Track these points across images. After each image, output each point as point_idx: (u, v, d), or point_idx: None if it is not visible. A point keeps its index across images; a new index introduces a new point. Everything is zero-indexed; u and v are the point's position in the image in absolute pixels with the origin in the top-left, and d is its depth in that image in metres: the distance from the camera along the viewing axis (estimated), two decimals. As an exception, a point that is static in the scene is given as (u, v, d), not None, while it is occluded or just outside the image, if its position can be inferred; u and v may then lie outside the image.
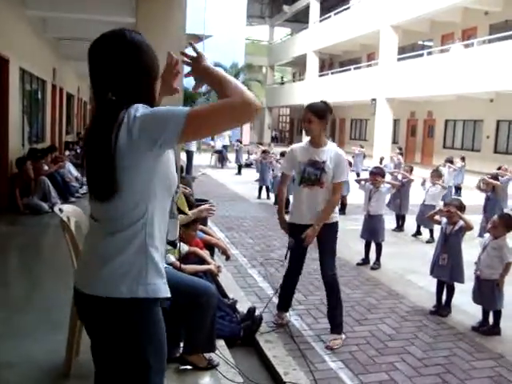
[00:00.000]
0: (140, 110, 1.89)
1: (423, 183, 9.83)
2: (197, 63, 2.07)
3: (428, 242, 9.13)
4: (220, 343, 4.25)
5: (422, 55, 24.70)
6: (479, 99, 22.83)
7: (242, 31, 39.59)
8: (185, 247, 4.52)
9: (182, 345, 3.80)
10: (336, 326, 4.73)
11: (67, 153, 15.35)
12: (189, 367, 3.74)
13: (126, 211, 1.93)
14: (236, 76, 35.35)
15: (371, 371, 4.18)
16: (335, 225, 4.76)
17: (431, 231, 9.23)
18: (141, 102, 1.94)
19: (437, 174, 9.78)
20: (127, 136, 1.86)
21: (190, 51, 2.18)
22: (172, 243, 3.21)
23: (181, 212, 3.38)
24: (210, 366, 3.79)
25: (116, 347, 1.98)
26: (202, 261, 4.62)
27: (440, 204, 9.21)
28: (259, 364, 4.31)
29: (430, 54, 25.05)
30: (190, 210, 4.54)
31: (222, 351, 4.02)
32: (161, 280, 2.00)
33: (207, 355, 3.80)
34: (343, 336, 4.71)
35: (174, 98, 2.36)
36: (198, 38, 27.80)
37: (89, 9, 8.47)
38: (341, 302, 4.78)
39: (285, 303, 5.10)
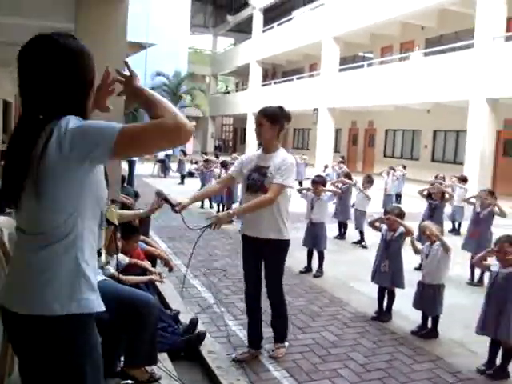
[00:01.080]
0: (71, 122, 1.81)
1: (356, 183, 10.15)
2: (129, 83, 2.00)
3: (363, 247, 9.43)
4: (162, 356, 4.16)
5: (362, 66, 25.30)
6: (417, 110, 23.55)
7: (186, 40, 39.45)
8: (125, 259, 4.43)
9: (122, 358, 3.70)
10: (280, 335, 4.62)
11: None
12: (130, 382, 3.63)
13: (54, 225, 1.86)
14: (179, 85, 35.22)
15: (315, 379, 4.19)
16: (284, 243, 4.39)
17: (361, 234, 9.63)
18: (72, 113, 1.86)
19: (368, 181, 10.01)
20: (57, 149, 1.78)
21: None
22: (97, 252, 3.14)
23: (109, 223, 3.29)
24: (152, 380, 3.69)
25: (49, 366, 1.89)
26: (145, 272, 4.53)
27: (368, 210, 9.62)
28: (203, 376, 4.24)
29: (370, 65, 25.69)
30: (131, 221, 4.47)
31: (164, 364, 3.94)
32: (94, 294, 1.93)
33: (149, 368, 3.71)
34: (287, 344, 4.69)
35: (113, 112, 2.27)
36: (141, 47, 27.47)
37: (24, 13, 8.19)
38: (285, 314, 4.64)
39: (254, 337, 4.58)
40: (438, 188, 8.94)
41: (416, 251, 5.58)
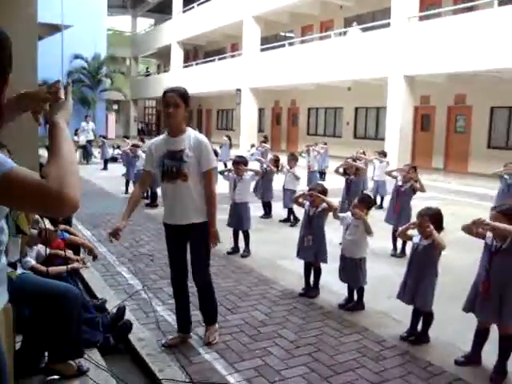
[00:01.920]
0: None
1: (281, 169, 10.21)
2: (54, 108, 1.81)
3: (291, 225, 9.51)
4: (90, 347, 4.06)
5: (283, 46, 25.41)
6: (338, 88, 23.95)
7: (104, 22, 38.14)
8: (45, 250, 4.26)
9: (46, 354, 3.57)
10: (209, 319, 4.58)
11: None
12: (56, 377, 3.51)
13: None
14: (99, 68, 34.16)
15: (246, 358, 4.21)
16: (205, 225, 4.29)
17: (292, 213, 9.71)
18: None
19: (292, 158, 10.11)
20: None
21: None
22: (13, 264, 2.99)
23: (20, 231, 3.13)
24: (80, 373, 3.59)
25: None
26: (67, 262, 4.38)
27: (298, 188, 9.71)
28: (133, 364, 4.17)
29: (291, 44, 25.83)
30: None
31: (91, 355, 3.85)
32: None
33: (76, 361, 3.60)
34: (217, 326, 4.67)
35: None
36: (56, 29, 26.37)
37: None
38: (213, 296, 4.59)
39: (182, 321, 4.55)
40: (349, 163, 9.19)
41: (336, 216, 5.65)
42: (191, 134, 4.22)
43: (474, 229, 4.07)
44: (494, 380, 3.96)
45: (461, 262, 6.66)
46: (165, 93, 4.18)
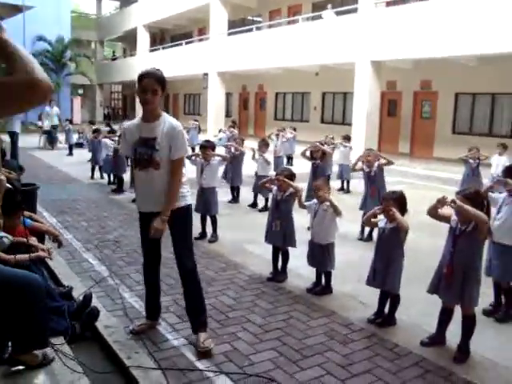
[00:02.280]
0: None
1: (253, 157, 10.18)
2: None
3: (261, 210, 9.46)
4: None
5: (251, 30, 25.26)
6: (306, 72, 23.96)
7: (68, 3, 37.30)
8: (8, 237, 4.16)
9: (10, 344, 3.49)
10: (201, 323, 4.24)
11: None
12: (21, 367, 3.43)
13: None
14: (63, 51, 33.46)
15: (215, 343, 4.20)
16: (185, 209, 4.14)
17: (266, 200, 9.56)
18: None
19: (264, 144, 10.09)
20: None
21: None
22: None
23: None
24: (45, 363, 3.53)
25: None
26: (30, 249, 4.28)
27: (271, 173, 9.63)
28: (100, 352, 4.12)
29: (258, 29, 25.70)
30: (14, 196, 4.15)
31: (57, 344, 3.79)
32: None
33: (41, 351, 3.54)
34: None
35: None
36: (18, 9, 25.69)
37: None
38: (202, 296, 4.29)
39: (151, 307, 4.50)
40: (317, 146, 9.21)
41: (302, 206, 5.67)
42: (166, 119, 4.03)
43: (438, 210, 4.14)
44: (458, 359, 4.05)
45: (425, 244, 6.76)
46: (141, 77, 3.98)
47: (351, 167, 9.06)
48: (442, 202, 3.97)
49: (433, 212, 4.23)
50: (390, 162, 7.82)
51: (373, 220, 4.90)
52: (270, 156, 10.32)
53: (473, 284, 4.07)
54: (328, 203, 5.32)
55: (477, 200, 4.10)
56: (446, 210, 4.17)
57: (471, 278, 4.06)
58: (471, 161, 10.05)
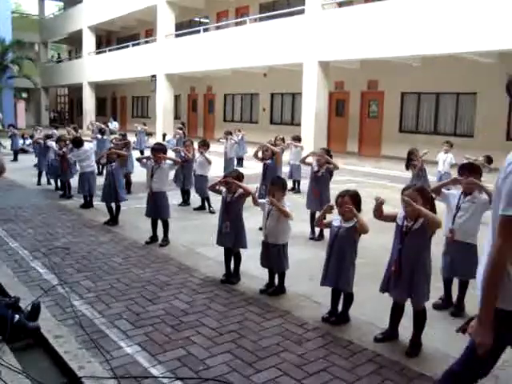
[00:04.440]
0: None
1: (193, 156, 10.17)
2: None
3: (211, 212, 9.47)
4: (3, 349, 3.86)
5: (198, 32, 25.13)
6: (254, 74, 24.03)
7: (7, 3, 36.22)
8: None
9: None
10: None
11: None
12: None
13: None
14: (4, 54, 32.48)
15: (168, 349, 4.13)
16: None
17: (207, 200, 9.67)
18: None
19: (203, 144, 10.04)
20: None
21: None
22: None
23: None
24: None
25: None
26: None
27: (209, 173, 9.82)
28: (51, 363, 3.99)
29: (206, 30, 25.60)
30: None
31: (5, 357, 3.66)
32: None
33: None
34: None
35: None
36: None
37: None
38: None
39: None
40: (266, 146, 9.26)
41: (256, 203, 5.62)
42: None
43: (384, 210, 4.22)
44: (410, 353, 4.12)
45: (375, 242, 6.84)
46: None
47: (301, 159, 9.09)
48: (377, 204, 4.04)
49: (378, 214, 4.30)
50: (335, 167, 7.89)
51: (325, 221, 4.91)
52: (219, 158, 10.29)
53: (421, 280, 4.14)
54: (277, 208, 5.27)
55: (424, 194, 4.18)
56: (391, 210, 4.24)
57: (420, 273, 4.13)
58: (415, 163, 10.12)
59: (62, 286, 5.52)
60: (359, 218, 4.51)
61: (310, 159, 8.36)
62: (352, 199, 4.63)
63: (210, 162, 9.79)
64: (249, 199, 5.69)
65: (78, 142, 10.22)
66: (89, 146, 10.20)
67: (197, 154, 10.05)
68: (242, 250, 5.84)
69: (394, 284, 4.25)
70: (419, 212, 4.04)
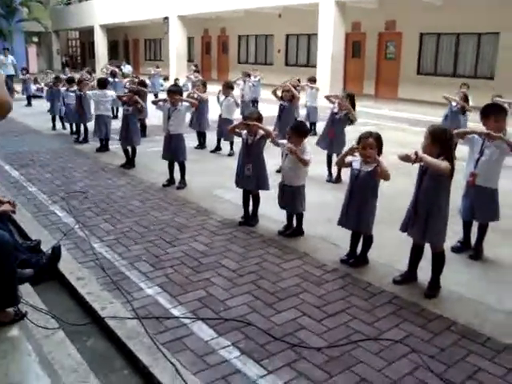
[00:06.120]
0: None
1: (218, 98, 10.01)
2: None
3: (229, 155, 9.41)
4: (27, 290, 3.92)
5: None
6: (268, 14, 23.45)
7: None
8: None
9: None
10: None
11: None
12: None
13: None
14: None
15: (189, 290, 4.18)
16: None
17: (231, 144, 9.53)
18: None
19: (227, 86, 9.90)
20: None
21: None
22: None
23: None
24: (18, 318, 3.46)
25: None
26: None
27: (235, 117, 9.61)
28: (74, 304, 4.05)
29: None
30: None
31: (29, 299, 3.71)
32: None
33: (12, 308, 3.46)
34: None
35: None
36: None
37: None
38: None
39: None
40: (289, 86, 9.08)
41: (276, 144, 5.58)
42: None
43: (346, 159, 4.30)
44: (428, 295, 4.14)
45: (392, 186, 6.76)
46: None
47: (325, 95, 8.89)
48: (405, 159, 3.94)
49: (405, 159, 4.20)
50: (354, 120, 7.70)
51: (346, 160, 4.81)
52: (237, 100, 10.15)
53: (437, 222, 4.10)
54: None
55: (443, 139, 4.07)
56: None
57: (434, 215, 4.10)
58: (453, 103, 9.88)
59: (81, 228, 5.56)
60: (382, 165, 4.38)
61: (333, 99, 8.16)
62: (376, 141, 4.52)
63: (238, 105, 9.67)
64: (268, 141, 5.64)
65: (102, 83, 10.11)
66: (110, 93, 10.04)
67: (222, 97, 9.91)
68: (260, 192, 5.81)
69: (412, 225, 4.23)
70: (430, 166, 4.00)
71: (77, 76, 14.21)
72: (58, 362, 3.08)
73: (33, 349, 3.19)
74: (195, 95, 10.09)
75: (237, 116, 9.74)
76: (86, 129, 10.87)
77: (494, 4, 15.82)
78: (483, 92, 11.87)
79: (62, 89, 12.16)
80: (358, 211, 4.60)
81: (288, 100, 8.86)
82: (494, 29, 16.90)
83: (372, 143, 4.49)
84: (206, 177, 7.85)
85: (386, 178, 4.42)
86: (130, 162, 8.52)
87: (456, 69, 18.65)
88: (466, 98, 9.88)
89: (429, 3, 17.28)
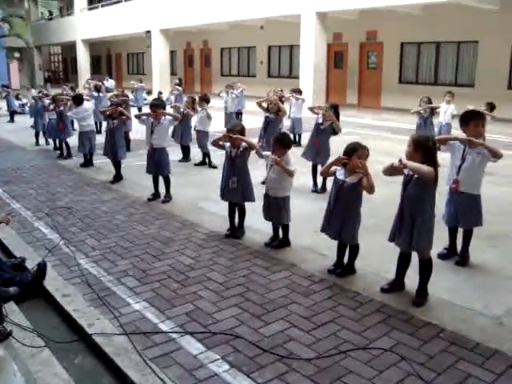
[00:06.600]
0: None
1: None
2: None
3: (213, 167, 9.41)
4: (12, 308, 3.88)
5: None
6: (250, 26, 23.57)
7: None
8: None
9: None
10: None
11: None
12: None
13: None
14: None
15: (176, 304, 4.16)
16: None
17: (206, 155, 9.68)
18: None
19: (202, 99, 9.91)
20: None
21: None
22: None
23: None
24: (2, 338, 3.41)
25: None
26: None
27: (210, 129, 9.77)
28: (60, 321, 4.01)
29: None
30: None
31: (14, 317, 3.67)
32: None
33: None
34: None
35: None
36: None
37: None
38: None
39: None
40: (274, 100, 9.08)
41: (260, 156, 5.59)
42: None
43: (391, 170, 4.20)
44: (416, 303, 4.15)
45: (380, 193, 6.79)
46: None
47: (309, 107, 8.92)
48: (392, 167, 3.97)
49: (388, 172, 4.25)
50: (338, 130, 7.73)
51: (331, 170, 4.80)
52: (217, 113, 10.16)
53: (422, 228, 4.11)
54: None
55: (426, 146, 4.11)
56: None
57: (419, 222, 4.11)
58: (422, 111, 10.11)
59: (66, 245, 5.51)
60: (370, 178, 4.41)
61: (317, 110, 8.17)
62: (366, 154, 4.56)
63: (210, 118, 9.69)
64: (252, 153, 5.64)
65: (78, 100, 10.03)
66: (89, 105, 10.02)
67: (199, 109, 9.95)
68: (245, 204, 5.79)
69: (398, 232, 4.25)
70: (414, 170, 4.06)
71: (58, 91, 14.13)
72: (44, 382, 3.04)
73: (18, 369, 3.15)
74: (181, 109, 10.10)
75: (221, 128, 9.74)
76: (67, 145, 10.76)
77: (473, 13, 16.04)
78: (464, 100, 12.01)
79: (46, 101, 12.06)
80: (341, 221, 4.60)
81: (274, 112, 8.86)
82: (472, 37, 17.12)
83: (367, 154, 4.54)
84: (191, 190, 7.82)
85: (371, 191, 4.44)
86: (117, 176, 8.49)
87: (437, 77, 18.86)
88: (429, 101, 10.13)
89: (408, 13, 17.48)
